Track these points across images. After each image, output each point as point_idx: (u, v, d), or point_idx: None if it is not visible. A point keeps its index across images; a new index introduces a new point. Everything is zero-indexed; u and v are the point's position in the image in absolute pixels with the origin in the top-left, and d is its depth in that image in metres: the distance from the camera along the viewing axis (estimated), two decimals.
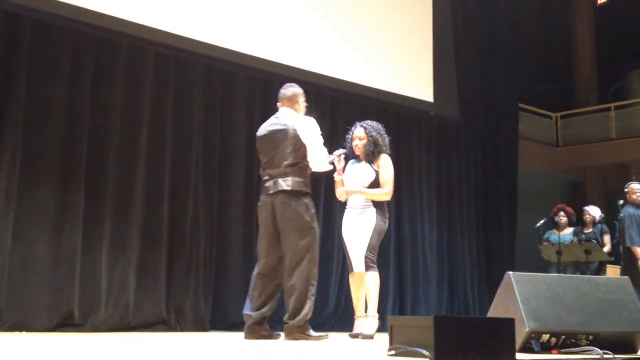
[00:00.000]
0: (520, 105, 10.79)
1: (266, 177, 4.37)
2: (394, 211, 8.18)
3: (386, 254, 7.94)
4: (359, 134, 5.08)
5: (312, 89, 7.51)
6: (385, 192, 4.97)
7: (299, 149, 4.29)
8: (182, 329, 6.06)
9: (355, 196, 4.97)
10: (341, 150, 4.93)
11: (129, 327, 5.78)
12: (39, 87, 5.63)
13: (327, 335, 4.38)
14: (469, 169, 9.22)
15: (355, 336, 4.81)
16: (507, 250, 9.43)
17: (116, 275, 5.86)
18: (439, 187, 8.81)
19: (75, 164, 5.75)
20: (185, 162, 6.48)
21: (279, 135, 4.35)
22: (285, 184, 4.24)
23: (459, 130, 9.13)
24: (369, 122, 5.18)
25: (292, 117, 4.43)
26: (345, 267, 6.13)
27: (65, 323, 5.45)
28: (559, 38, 13.94)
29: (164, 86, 6.42)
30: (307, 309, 4.17)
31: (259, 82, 7.16)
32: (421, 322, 2.55)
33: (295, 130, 4.31)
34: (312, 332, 4.21)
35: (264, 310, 4.29)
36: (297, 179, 4.26)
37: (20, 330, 5.14)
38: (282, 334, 4.32)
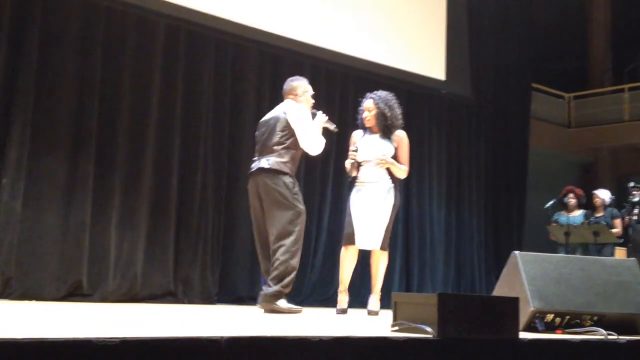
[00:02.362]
0: (533, 84, 10.70)
1: (254, 158, 4.50)
2: (403, 189, 8.18)
3: (394, 231, 7.93)
4: (368, 106, 4.97)
5: (323, 65, 7.49)
6: (406, 170, 4.95)
7: (287, 131, 4.39)
8: (190, 302, 6.11)
9: (376, 171, 4.84)
10: (353, 152, 4.86)
11: (136, 298, 5.83)
12: (49, 58, 5.64)
13: (301, 309, 4.39)
14: (479, 148, 9.17)
15: (344, 312, 4.79)
16: (515, 230, 9.41)
17: (125, 246, 5.91)
18: (449, 166, 8.78)
19: (86, 135, 5.78)
20: (195, 135, 6.48)
21: (271, 122, 4.48)
22: (267, 163, 4.34)
23: (470, 108, 9.07)
24: (379, 93, 5.02)
25: (286, 106, 4.52)
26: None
27: (74, 293, 5.51)
28: (574, 18, 13.77)
29: (175, 59, 6.41)
30: (287, 281, 4.22)
31: (270, 57, 7.13)
32: (425, 299, 2.56)
33: (285, 116, 4.42)
34: (284, 304, 4.23)
35: None
36: (279, 159, 4.34)
37: (30, 299, 5.20)
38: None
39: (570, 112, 12.86)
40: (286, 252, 4.24)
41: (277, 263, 4.24)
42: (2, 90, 5.40)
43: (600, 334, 3.06)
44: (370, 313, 4.80)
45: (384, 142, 4.90)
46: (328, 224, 7.33)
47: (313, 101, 4.68)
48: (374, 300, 4.87)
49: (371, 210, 4.82)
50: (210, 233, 6.46)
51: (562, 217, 7.81)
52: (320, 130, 4.58)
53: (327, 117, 4.65)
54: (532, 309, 3.19)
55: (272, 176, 4.32)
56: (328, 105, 7.39)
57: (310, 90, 4.68)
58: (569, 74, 13.62)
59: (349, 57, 7.52)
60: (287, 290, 4.25)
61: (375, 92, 5.05)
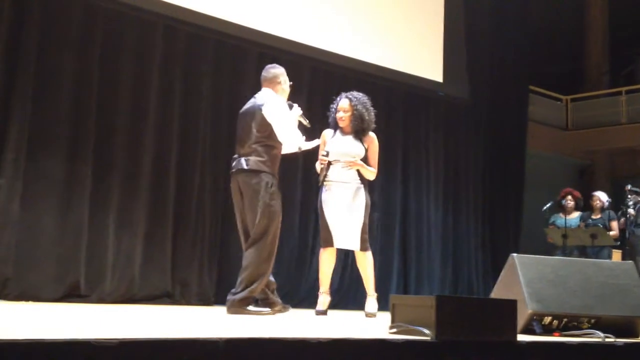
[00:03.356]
0: (530, 87, 10.71)
1: (235, 156, 4.47)
2: (401, 190, 8.19)
3: (391, 232, 7.97)
4: (344, 106, 4.92)
5: (321, 67, 7.50)
6: (375, 172, 4.94)
7: (264, 128, 4.34)
8: (187, 303, 6.11)
9: (346, 172, 4.82)
10: (324, 155, 4.83)
11: (134, 299, 5.83)
12: (48, 59, 5.63)
13: (269, 311, 4.34)
14: (477, 150, 9.19)
15: (323, 313, 4.78)
16: (512, 232, 9.42)
17: (122, 247, 5.90)
18: (446, 168, 8.79)
19: (83, 136, 5.77)
20: (193, 137, 6.48)
21: (248, 116, 4.44)
22: (246, 163, 4.33)
23: (468, 111, 9.08)
24: (355, 93, 4.98)
25: (263, 98, 4.46)
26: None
27: (71, 294, 5.50)
28: (571, 20, 13.78)
29: (173, 60, 6.41)
30: (255, 285, 4.21)
31: (269, 59, 7.11)
32: (423, 302, 2.56)
33: (261, 111, 4.36)
34: (251, 308, 4.22)
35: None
36: (258, 158, 4.32)
37: (27, 299, 5.19)
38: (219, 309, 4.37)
39: (568, 115, 12.88)
40: (258, 254, 4.23)
41: (246, 264, 4.24)
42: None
43: (597, 337, 3.06)
44: (367, 315, 4.80)
45: (356, 143, 4.88)
46: None
47: (289, 91, 4.62)
48: (370, 302, 4.87)
49: (343, 210, 4.81)
50: (207, 234, 6.46)
51: (559, 219, 7.82)
52: (297, 124, 4.53)
53: (301, 111, 4.61)
54: (529, 311, 3.19)
55: (252, 176, 4.32)
56: (326, 107, 7.39)
57: (288, 81, 4.64)
58: (566, 76, 13.64)
59: (347, 59, 7.52)
60: (255, 295, 4.25)
61: (351, 92, 5.00)
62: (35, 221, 5.44)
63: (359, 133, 4.90)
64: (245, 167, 4.32)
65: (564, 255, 7.46)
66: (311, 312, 5.06)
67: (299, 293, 6.91)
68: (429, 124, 8.66)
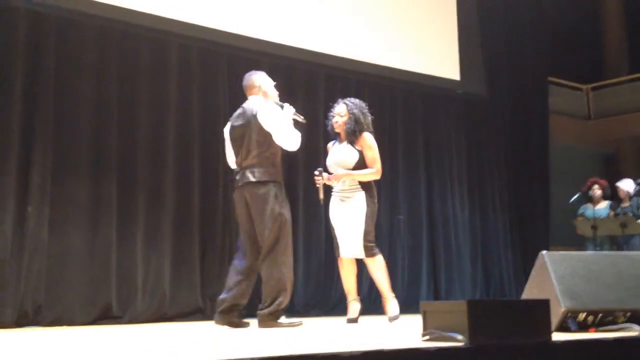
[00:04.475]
0: (549, 78, 10.60)
1: (237, 169, 4.44)
2: (425, 192, 8.14)
3: (419, 235, 7.92)
4: (339, 111, 4.91)
5: (337, 74, 7.49)
6: (374, 172, 4.83)
7: (263, 138, 4.31)
8: None
9: (343, 180, 4.81)
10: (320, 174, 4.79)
11: (166, 317, 5.86)
12: (66, 82, 5.72)
13: (300, 322, 4.33)
14: (499, 146, 9.11)
15: (354, 321, 4.78)
16: (541, 227, 9.31)
17: (151, 266, 5.95)
18: (470, 166, 8.73)
19: (106, 156, 5.84)
20: (214, 151, 6.50)
21: (243, 129, 4.39)
22: (252, 175, 4.30)
23: (488, 107, 9.01)
24: (352, 99, 4.99)
25: (254, 106, 4.40)
26: None
27: (104, 316, 5.56)
28: (587, 7, 13.61)
29: (189, 77, 6.46)
30: (282, 297, 4.18)
31: (283, 69, 7.14)
32: (454, 307, 2.53)
33: (256, 120, 4.32)
34: (283, 320, 4.20)
35: (236, 298, 4.31)
36: (263, 168, 4.30)
37: (61, 324, 5.24)
38: (251, 322, 4.34)
39: (589, 104, 12.70)
40: (274, 263, 4.21)
41: (266, 278, 4.23)
42: (21, 118, 5.46)
43: (634, 330, 3.01)
44: (391, 319, 4.78)
45: (348, 150, 4.85)
46: None
47: (277, 92, 4.58)
48: (391, 305, 4.83)
49: (343, 219, 4.81)
50: (235, 247, 6.47)
51: (588, 210, 7.73)
52: (292, 123, 4.48)
53: (294, 109, 4.55)
54: (563, 308, 3.15)
55: (260, 186, 4.29)
56: None
57: (272, 82, 4.59)
58: (585, 64, 13.46)
59: (362, 64, 7.51)
60: (283, 307, 4.22)
61: (348, 98, 5.01)
62: (64, 245, 5.51)
63: (351, 138, 4.85)
64: (252, 179, 4.30)
65: (595, 245, 7.38)
66: (342, 319, 5.06)
67: (329, 302, 6.91)
68: (449, 123, 8.61)
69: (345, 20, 7.44)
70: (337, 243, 4.88)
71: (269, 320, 4.16)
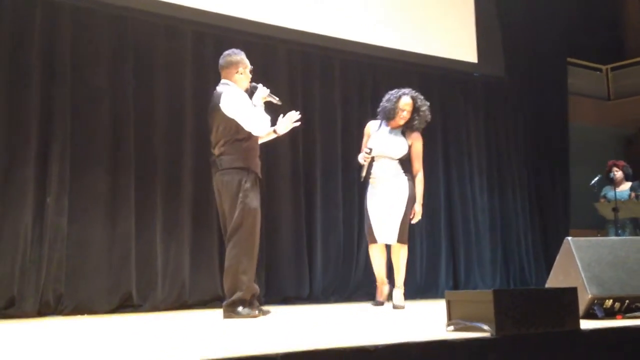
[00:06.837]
0: (568, 59, 10.44)
1: (212, 157, 4.41)
2: (443, 176, 8.07)
3: (437, 220, 7.86)
4: (408, 104, 5.01)
5: (352, 58, 7.42)
6: (422, 180, 5.01)
7: (228, 124, 4.25)
8: None
9: (390, 167, 4.90)
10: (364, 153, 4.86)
11: (186, 305, 5.88)
12: (82, 73, 5.71)
13: (258, 313, 4.24)
14: (517, 128, 8.99)
15: (380, 304, 4.90)
16: (561, 210, 9.20)
17: (171, 255, 5.95)
18: (488, 149, 8.63)
19: (124, 146, 5.83)
20: None
21: (212, 117, 4.36)
22: (220, 163, 4.28)
23: (506, 89, 8.89)
24: (416, 93, 5.11)
25: (222, 91, 4.32)
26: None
27: (125, 304, 5.58)
28: None
29: (205, 65, 6.40)
30: (240, 287, 4.15)
31: (299, 55, 7.10)
32: (480, 297, 2.49)
33: (220, 108, 4.26)
34: (241, 310, 4.14)
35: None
36: (230, 156, 4.26)
37: (82, 313, 5.27)
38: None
39: (609, 85, 12.51)
40: (235, 251, 4.19)
41: (227, 266, 4.23)
42: (39, 109, 5.46)
43: None
44: (395, 307, 4.79)
45: (400, 140, 4.95)
46: None
47: (250, 75, 4.48)
48: (399, 294, 4.87)
49: (386, 205, 4.86)
50: None
51: (610, 192, 7.63)
52: (263, 106, 4.41)
53: (268, 90, 4.48)
54: (590, 296, 3.11)
55: (225, 174, 4.26)
56: (362, 99, 7.33)
57: (249, 65, 4.49)
58: (604, 45, 13.24)
59: (379, 48, 7.42)
60: (246, 297, 4.17)
61: (411, 90, 5.11)
62: (84, 235, 5.52)
63: (408, 129, 4.91)
64: (220, 167, 4.29)
65: (617, 228, 7.29)
66: (362, 305, 5.07)
67: (349, 287, 6.89)
68: (467, 106, 8.51)
69: (362, 5, 7.35)
70: (371, 229, 4.93)
71: (229, 312, 4.15)
